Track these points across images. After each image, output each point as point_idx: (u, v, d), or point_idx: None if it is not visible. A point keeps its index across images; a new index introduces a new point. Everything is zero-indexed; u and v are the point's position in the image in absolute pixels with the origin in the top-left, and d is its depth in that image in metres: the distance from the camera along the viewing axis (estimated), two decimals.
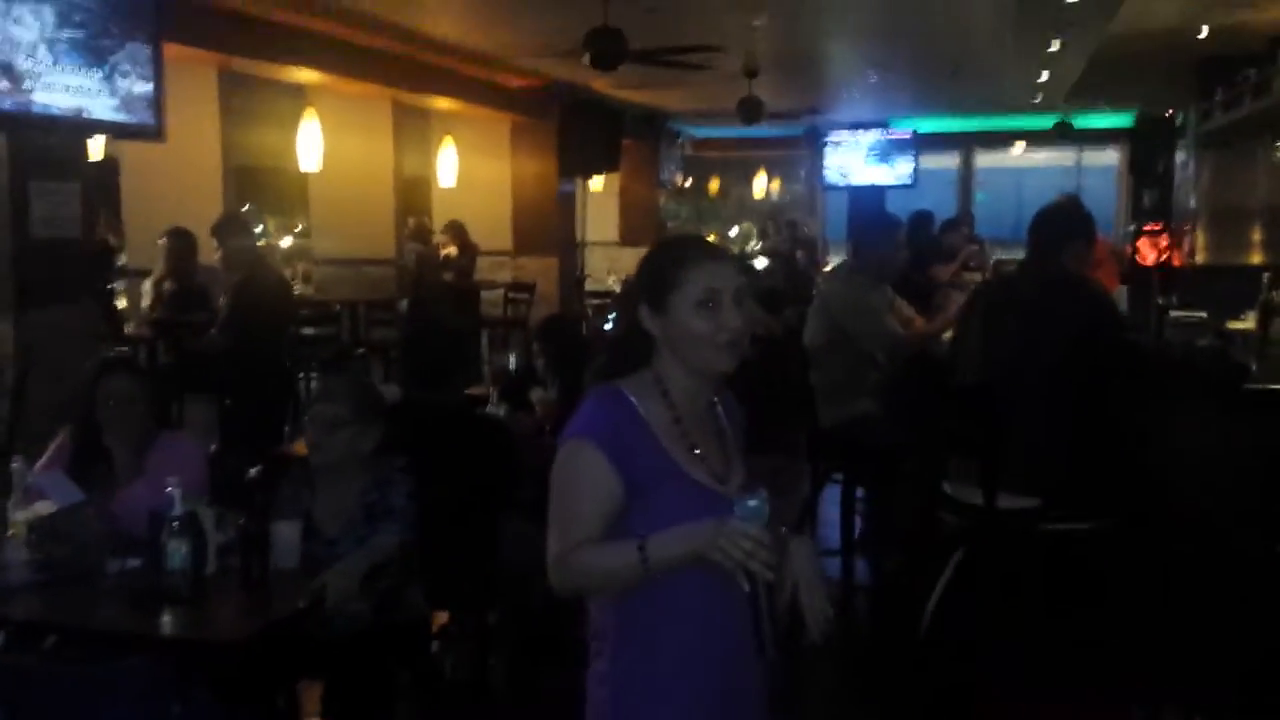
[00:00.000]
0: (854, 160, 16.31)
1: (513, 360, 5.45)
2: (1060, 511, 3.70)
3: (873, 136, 16.30)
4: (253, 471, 3.67)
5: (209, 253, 6.51)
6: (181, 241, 6.97)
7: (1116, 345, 3.76)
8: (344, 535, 3.28)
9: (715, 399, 2.08)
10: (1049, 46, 8.43)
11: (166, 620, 2.80)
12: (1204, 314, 5.21)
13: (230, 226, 6.40)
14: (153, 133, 5.87)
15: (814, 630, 1.91)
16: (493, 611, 4.26)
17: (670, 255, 2.02)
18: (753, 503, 1.80)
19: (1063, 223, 3.94)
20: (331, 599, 2.94)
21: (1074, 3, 6.66)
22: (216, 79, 7.84)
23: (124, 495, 3.38)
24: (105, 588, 2.96)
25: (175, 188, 7.68)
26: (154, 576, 2.87)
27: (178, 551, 2.85)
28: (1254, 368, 4.00)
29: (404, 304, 9.79)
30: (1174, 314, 5.22)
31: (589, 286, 13.29)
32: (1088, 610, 3.74)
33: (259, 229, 10.26)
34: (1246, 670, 3.39)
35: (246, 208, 7.93)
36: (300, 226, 10.51)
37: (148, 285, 7.19)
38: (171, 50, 6.74)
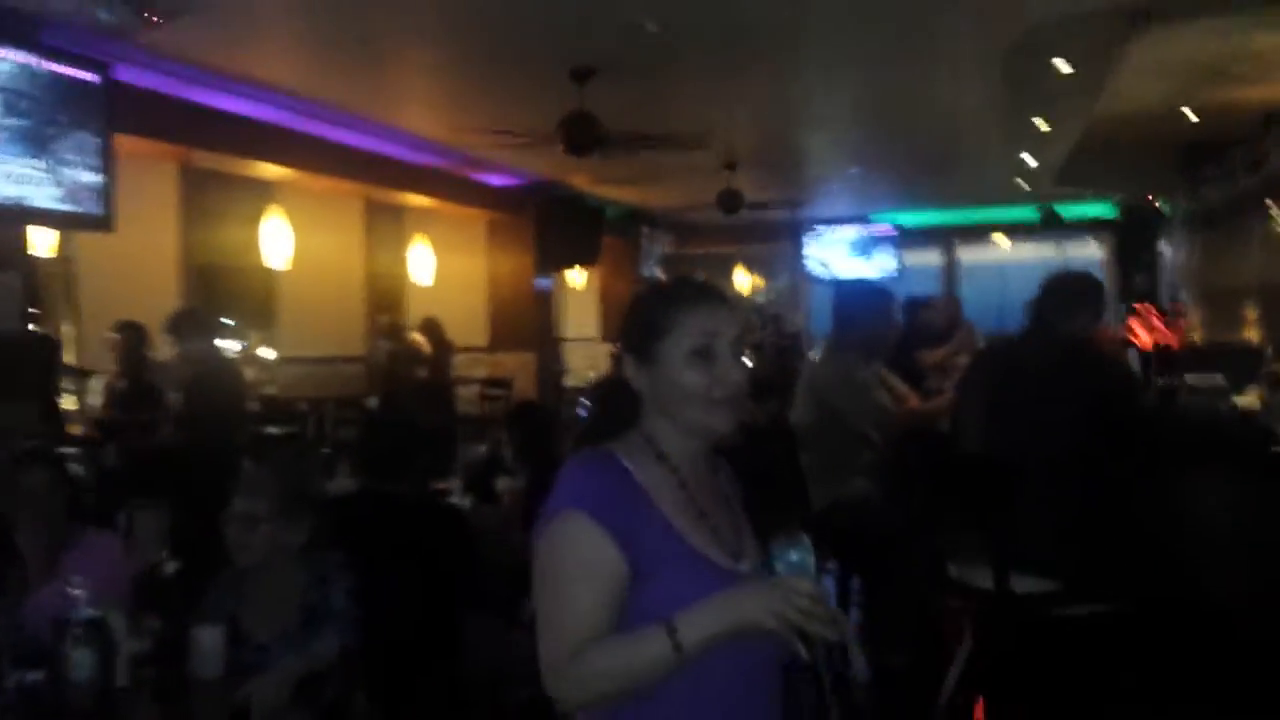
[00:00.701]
0: (835, 254, 16.27)
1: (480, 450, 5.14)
2: (1079, 594, 3.34)
3: (853, 231, 16.28)
4: (169, 569, 3.30)
5: (162, 349, 6.25)
6: (133, 336, 6.68)
7: (1134, 412, 3.45)
8: (277, 641, 2.94)
9: (714, 464, 1.84)
10: (1036, 129, 8.33)
11: None
12: (1221, 378, 4.94)
13: (185, 321, 6.15)
14: (100, 223, 5.63)
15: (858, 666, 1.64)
16: None
17: (659, 297, 1.79)
18: (795, 556, 1.57)
19: (1073, 288, 3.67)
20: (257, 712, 2.57)
21: (1063, 75, 6.53)
22: (177, 173, 7.63)
23: (34, 600, 3.08)
24: (1, 704, 2.62)
25: (130, 285, 7.41)
26: (56, 690, 2.56)
27: (82, 662, 2.55)
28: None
29: (373, 401, 9.48)
30: (1189, 379, 4.94)
31: (568, 382, 13.07)
32: (1110, 705, 3.36)
33: (229, 328, 9.97)
34: None
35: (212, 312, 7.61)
36: (264, 327, 10.27)
37: (99, 384, 6.87)
38: (129, 143, 6.56)
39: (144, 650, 2.73)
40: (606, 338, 15.05)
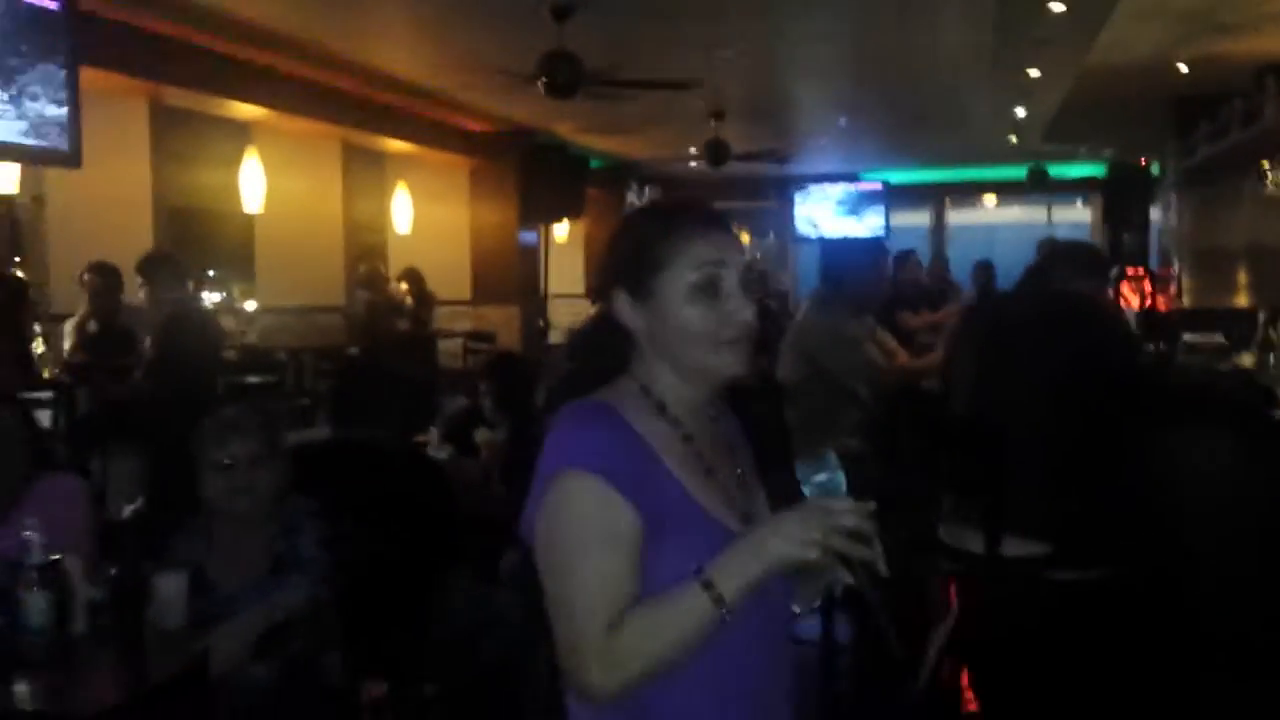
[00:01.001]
0: (823, 212, 16.11)
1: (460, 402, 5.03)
2: (1070, 558, 3.25)
3: (842, 189, 16.12)
4: (127, 512, 3.19)
5: (134, 292, 6.08)
6: (105, 278, 6.50)
7: (1130, 368, 3.34)
8: (245, 591, 2.85)
9: (717, 411, 1.65)
10: (1028, 78, 8.19)
11: (20, 690, 2.37)
12: (1222, 338, 4.84)
13: (158, 264, 5.99)
14: (66, 159, 5.45)
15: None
16: (431, 683, 3.75)
17: (657, 222, 1.57)
18: (821, 476, 1.44)
19: (1082, 258, 3.55)
20: (216, 663, 2.48)
21: (1056, 17, 6.40)
22: (148, 111, 7.39)
23: None
24: None
25: (101, 226, 7.20)
26: (8, 637, 2.46)
27: (36, 607, 2.46)
28: None
29: (353, 352, 9.33)
30: (1188, 338, 4.83)
31: (553, 339, 12.92)
32: (1101, 671, 3.28)
33: (205, 275, 9.78)
34: None
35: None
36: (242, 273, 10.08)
37: (69, 326, 6.70)
38: (97, 77, 6.34)
39: (102, 597, 2.62)
40: (591, 293, 14.88)
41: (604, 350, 1.59)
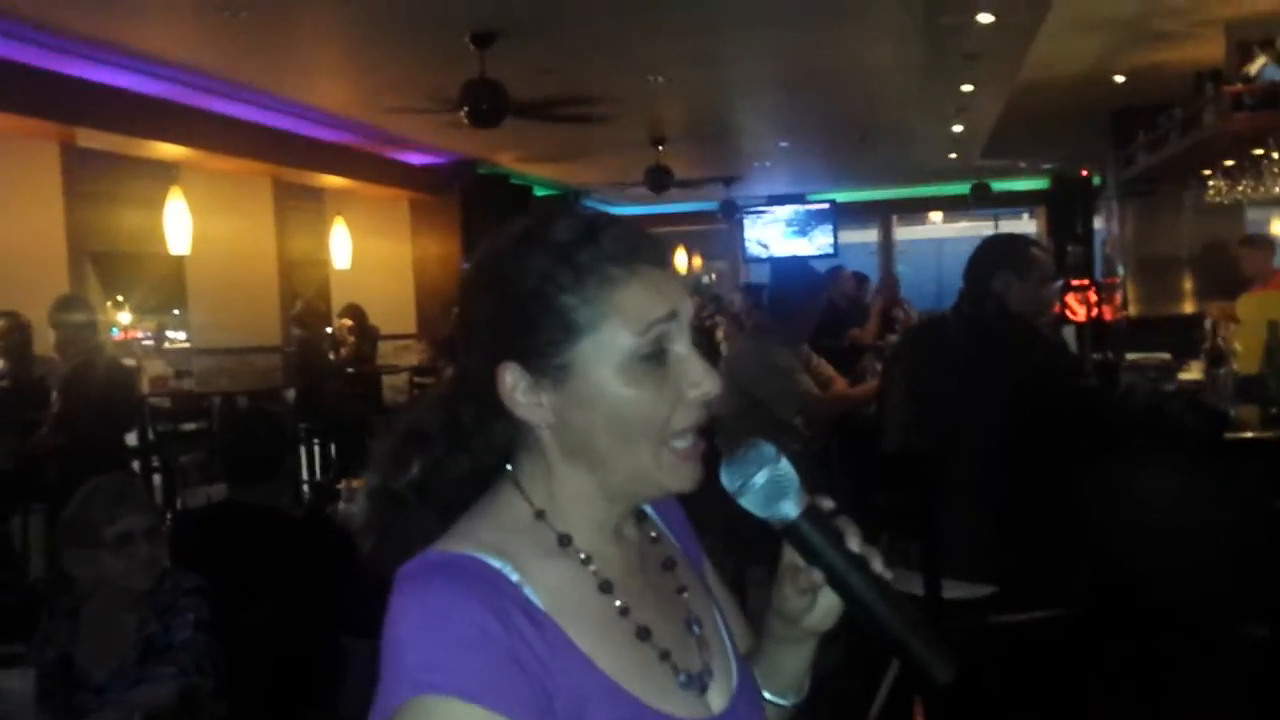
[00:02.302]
0: (773, 233, 16.08)
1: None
2: (1015, 600, 3.06)
3: (790, 209, 16.11)
4: None
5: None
6: (14, 327, 6.22)
7: (1071, 395, 3.17)
8: (115, 681, 2.61)
9: (643, 510, 1.18)
10: (963, 93, 8.13)
11: None
12: (1167, 355, 4.70)
13: (65, 309, 5.73)
14: None
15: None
16: None
17: (565, 264, 1.03)
18: (760, 477, 1.04)
19: (990, 252, 3.36)
20: None
21: (985, 29, 6.32)
22: (58, 153, 7.13)
23: None
24: None
25: (13, 272, 6.91)
26: None
27: None
28: (1233, 414, 3.46)
29: (291, 394, 9.07)
30: (1131, 357, 4.70)
31: None
32: (1050, 712, 3.10)
33: (132, 317, 9.50)
34: None
35: (120, 298, 7.18)
36: (175, 314, 9.80)
37: None
38: (7, 121, 6.10)
39: None
40: (425, 357, 14.48)
41: (465, 453, 1.10)
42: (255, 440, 3.21)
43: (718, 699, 1.10)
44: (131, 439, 7.12)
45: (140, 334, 10.45)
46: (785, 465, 1.05)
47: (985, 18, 6.19)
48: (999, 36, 6.63)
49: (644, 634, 1.06)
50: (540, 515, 1.06)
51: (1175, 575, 3.20)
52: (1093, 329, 7.04)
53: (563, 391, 1.03)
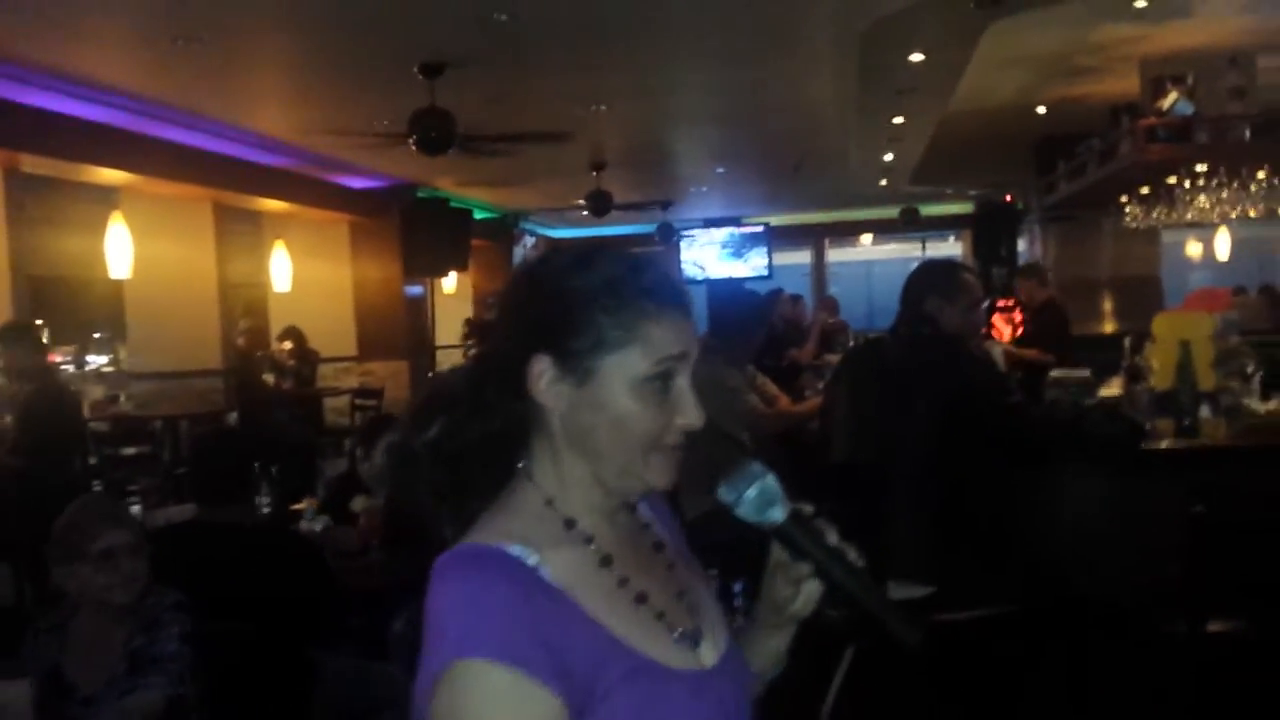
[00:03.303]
0: (709, 255, 16.33)
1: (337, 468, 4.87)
2: (953, 599, 3.27)
3: (726, 232, 16.38)
4: None
5: None
6: None
7: (999, 409, 3.40)
8: (104, 693, 2.69)
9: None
10: (892, 119, 8.42)
11: None
12: (1087, 372, 4.97)
13: (12, 335, 5.73)
14: None
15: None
16: None
17: (612, 291, 1.23)
18: (751, 491, 1.26)
19: (925, 276, 3.59)
20: None
21: (916, 64, 6.60)
22: (1, 179, 7.09)
23: None
24: None
25: None
26: None
27: None
28: (1149, 426, 3.71)
29: (233, 417, 9.05)
30: (1054, 374, 4.96)
31: None
32: (995, 708, 3.30)
33: (72, 343, 9.38)
34: None
35: (39, 322, 7.10)
36: (109, 339, 9.68)
37: None
38: None
39: None
40: (463, 335, 14.77)
41: (497, 437, 1.27)
42: (224, 461, 3.31)
43: (709, 654, 1.29)
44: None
45: (59, 358, 10.28)
46: (771, 480, 1.27)
47: (917, 56, 6.47)
48: (930, 73, 6.91)
49: (641, 599, 1.26)
50: (549, 503, 1.25)
51: (1100, 575, 3.43)
52: (1018, 348, 7.33)
53: (581, 390, 1.23)
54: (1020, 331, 8.83)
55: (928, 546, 3.27)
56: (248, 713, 3.09)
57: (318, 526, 4.17)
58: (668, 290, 1.26)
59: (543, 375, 1.23)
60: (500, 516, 1.24)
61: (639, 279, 1.25)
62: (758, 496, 1.25)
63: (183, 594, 2.84)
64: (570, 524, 1.25)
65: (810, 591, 1.31)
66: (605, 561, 1.25)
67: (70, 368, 9.65)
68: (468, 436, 1.27)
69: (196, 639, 2.76)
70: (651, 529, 1.38)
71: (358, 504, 4.25)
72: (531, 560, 1.19)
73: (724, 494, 1.26)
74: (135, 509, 5.80)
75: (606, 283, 1.24)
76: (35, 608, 3.26)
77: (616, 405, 1.22)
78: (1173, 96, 6.90)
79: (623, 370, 1.22)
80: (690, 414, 1.25)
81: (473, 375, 1.30)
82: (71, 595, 2.73)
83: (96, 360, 9.66)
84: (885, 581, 3.26)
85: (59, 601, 2.76)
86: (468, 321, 11.62)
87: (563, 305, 1.23)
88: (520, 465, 1.28)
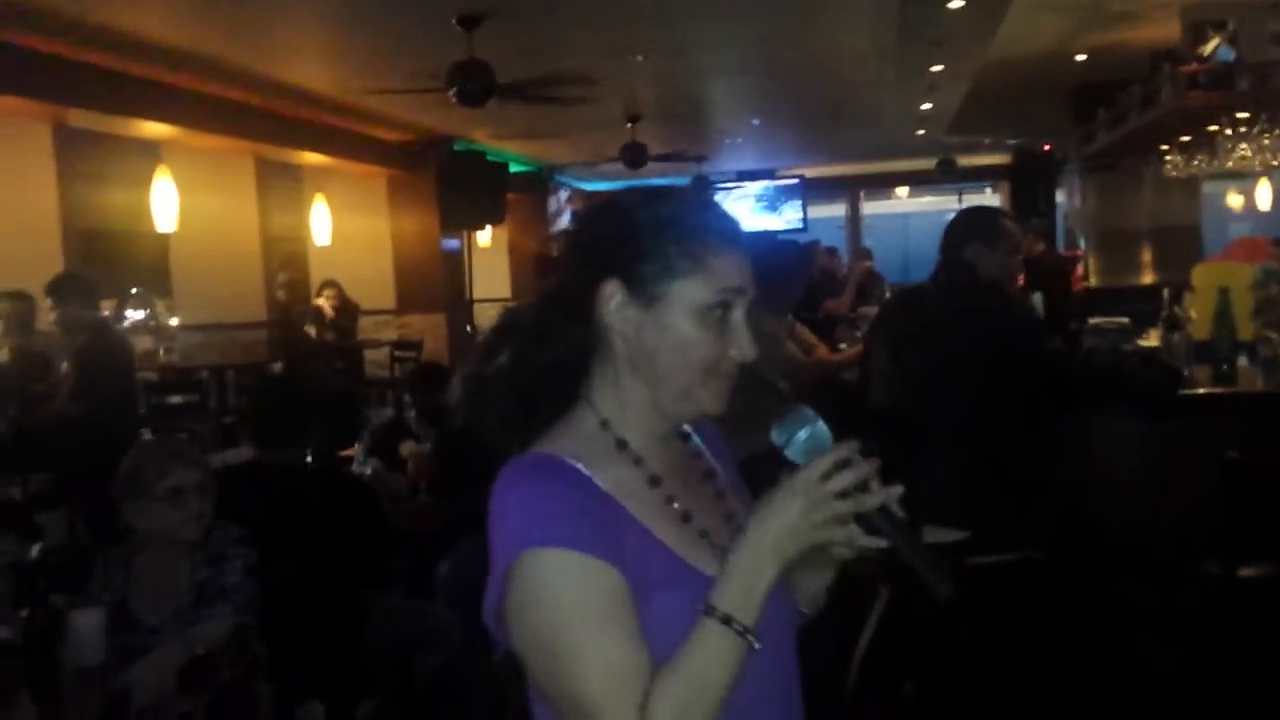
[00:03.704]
0: (743, 208, 16.27)
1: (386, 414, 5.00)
2: (988, 544, 3.33)
3: (760, 185, 16.30)
4: (34, 550, 3.12)
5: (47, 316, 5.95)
6: (16, 304, 6.35)
7: (1039, 358, 3.43)
8: (169, 623, 2.81)
9: (687, 428, 1.44)
10: (930, 68, 8.35)
11: None
12: (1126, 319, 4.97)
13: (68, 286, 5.85)
14: None
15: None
16: (366, 700, 3.73)
17: (682, 222, 1.31)
18: (803, 434, 1.29)
19: (966, 223, 3.61)
20: (139, 700, 2.43)
21: (956, 11, 6.52)
22: (51, 133, 7.21)
23: None
24: None
25: (11, 252, 7.01)
26: None
27: None
28: (1187, 373, 3.73)
29: (277, 367, 9.21)
30: (1093, 321, 4.97)
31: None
32: (1028, 652, 3.37)
33: (121, 295, 9.56)
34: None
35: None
36: (147, 293, 9.86)
37: None
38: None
39: (11, 639, 2.57)
40: (517, 296, 14.89)
41: (564, 359, 1.34)
42: (283, 405, 3.42)
43: None
44: None
45: (105, 311, 10.49)
46: (822, 425, 1.32)
47: (955, 3, 6.40)
48: (968, 20, 6.84)
49: (686, 517, 1.33)
50: (605, 425, 1.33)
51: (1135, 520, 3.48)
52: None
53: (647, 314, 1.30)
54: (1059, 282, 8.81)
55: (963, 492, 3.31)
56: (302, 646, 3.23)
57: (368, 470, 4.30)
58: (730, 229, 1.34)
59: (613, 298, 1.30)
60: (558, 434, 1.33)
61: (704, 215, 1.34)
62: (808, 439, 1.30)
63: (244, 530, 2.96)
64: (622, 444, 1.32)
65: (852, 534, 1.29)
66: (653, 481, 1.32)
67: (140, 314, 9.86)
68: (536, 363, 1.34)
69: (257, 571, 2.88)
70: (703, 458, 1.45)
71: (405, 449, 4.38)
72: (585, 472, 1.28)
73: (775, 436, 1.31)
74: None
75: (675, 215, 1.32)
76: (96, 545, 3.38)
77: (679, 329, 1.29)
78: (1214, 42, 6.81)
79: (687, 296, 1.29)
80: (744, 346, 1.32)
81: (540, 306, 1.37)
82: (139, 532, 2.85)
83: (137, 315, 9.85)
84: (920, 526, 3.32)
85: (122, 538, 2.87)
86: (537, 257, 11.81)
87: (634, 233, 1.31)
88: (581, 391, 1.36)
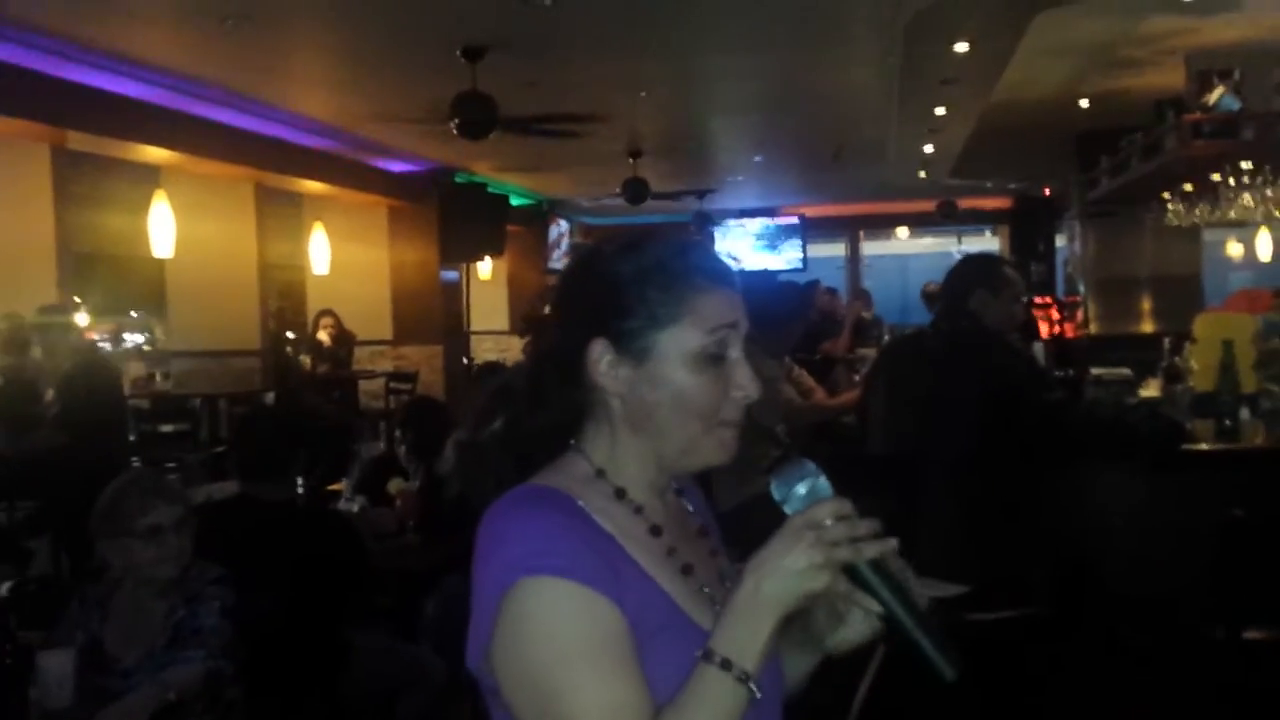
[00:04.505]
0: (743, 246, 16.27)
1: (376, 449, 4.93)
2: (987, 599, 3.26)
3: (760, 223, 16.30)
4: (3, 589, 3.04)
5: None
6: (9, 328, 6.30)
7: (1039, 407, 3.38)
8: (143, 665, 2.73)
9: (677, 487, 1.39)
10: (934, 109, 8.36)
11: None
12: (1128, 371, 4.92)
13: (54, 314, 5.83)
14: None
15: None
16: None
17: (659, 270, 1.27)
18: (802, 489, 1.20)
19: (970, 270, 3.57)
20: None
21: (960, 58, 6.53)
22: (49, 155, 7.18)
23: None
24: None
25: (6, 274, 6.96)
26: None
27: None
28: (1189, 426, 3.68)
29: (269, 397, 9.15)
30: (1095, 372, 4.92)
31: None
32: (1027, 709, 3.29)
33: (114, 320, 9.54)
34: None
35: (77, 300, 7.19)
36: (147, 318, 9.84)
37: None
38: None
39: None
40: (516, 329, 14.84)
41: (555, 415, 1.29)
42: (269, 438, 3.35)
43: None
44: None
45: (96, 335, 10.47)
46: (823, 480, 1.23)
47: (962, 46, 6.41)
48: (974, 63, 6.85)
49: (688, 569, 1.28)
50: (600, 474, 1.27)
51: (1137, 577, 3.41)
52: (1055, 345, 7.28)
53: (640, 370, 1.25)
54: (1058, 329, 8.77)
55: (962, 544, 3.26)
56: (281, 685, 3.14)
57: (355, 507, 4.23)
58: (714, 266, 1.29)
59: (602, 358, 1.25)
60: (550, 475, 1.27)
61: (686, 258, 1.29)
62: (808, 494, 1.22)
63: (224, 568, 2.89)
64: (621, 493, 1.27)
65: (856, 632, 1.23)
66: (655, 531, 1.27)
67: (108, 345, 9.79)
68: (531, 428, 1.30)
69: (236, 613, 2.80)
70: (695, 516, 1.40)
71: (394, 486, 4.30)
72: (582, 504, 1.22)
73: (774, 489, 1.23)
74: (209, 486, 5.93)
75: (655, 263, 1.27)
76: (73, 580, 3.30)
77: (675, 381, 1.24)
78: (1219, 91, 6.81)
79: (677, 345, 1.24)
80: (746, 384, 1.27)
81: (532, 369, 1.34)
82: (115, 569, 2.78)
83: (134, 338, 9.82)
84: (918, 579, 3.25)
85: (98, 575, 2.80)
86: (524, 318, 11.76)
87: (615, 288, 1.26)
88: (571, 441, 1.31)
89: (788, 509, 1.21)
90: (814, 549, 1.13)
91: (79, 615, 2.82)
